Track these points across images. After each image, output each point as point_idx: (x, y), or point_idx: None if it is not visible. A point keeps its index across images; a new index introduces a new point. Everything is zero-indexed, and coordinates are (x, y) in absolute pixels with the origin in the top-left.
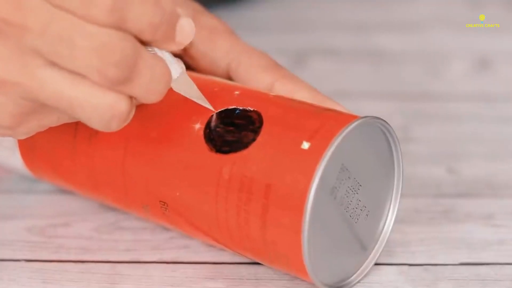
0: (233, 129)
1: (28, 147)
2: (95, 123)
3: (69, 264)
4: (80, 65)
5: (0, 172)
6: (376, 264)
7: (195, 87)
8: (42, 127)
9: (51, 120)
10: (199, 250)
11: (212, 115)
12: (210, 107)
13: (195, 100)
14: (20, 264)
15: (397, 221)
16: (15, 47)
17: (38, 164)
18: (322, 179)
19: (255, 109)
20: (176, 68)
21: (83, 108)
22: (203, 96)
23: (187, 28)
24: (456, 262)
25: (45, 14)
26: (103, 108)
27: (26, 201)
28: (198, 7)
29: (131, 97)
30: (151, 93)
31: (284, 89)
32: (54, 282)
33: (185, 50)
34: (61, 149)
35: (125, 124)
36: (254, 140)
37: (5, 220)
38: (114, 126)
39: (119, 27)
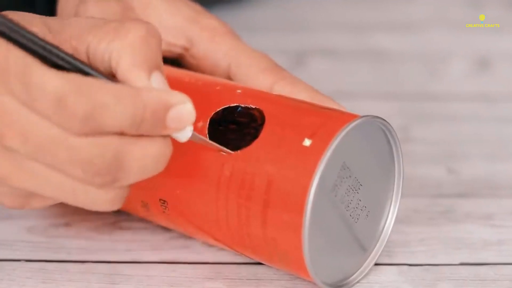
0: (235, 127)
1: None
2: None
3: (69, 264)
4: (67, 173)
5: None
6: (375, 264)
7: (207, 139)
8: (50, 203)
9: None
10: (199, 250)
11: (214, 114)
12: (228, 151)
13: (212, 146)
14: (20, 264)
15: (397, 221)
16: None
17: None
18: (323, 175)
19: (257, 107)
20: (186, 130)
21: (79, 202)
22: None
23: (185, 115)
24: (456, 262)
25: (24, 121)
26: (99, 202)
27: None
28: (199, 8)
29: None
30: (145, 176)
31: (284, 91)
32: (54, 282)
33: (186, 50)
34: None
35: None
36: (256, 137)
37: (5, 220)
38: (113, 208)
39: (97, 133)
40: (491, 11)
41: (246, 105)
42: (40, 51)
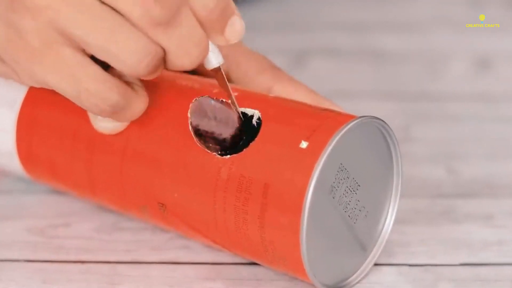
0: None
1: (26, 152)
2: (122, 61)
3: (69, 264)
4: None
5: (0, 173)
6: (376, 264)
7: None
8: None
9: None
10: (199, 250)
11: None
12: (238, 111)
13: (227, 93)
14: (19, 264)
15: (397, 221)
16: None
17: (37, 169)
18: (320, 177)
19: (254, 109)
20: (219, 56)
21: (115, 43)
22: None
23: (238, 27)
24: (456, 263)
25: None
26: (136, 48)
27: (26, 201)
28: None
29: (164, 50)
30: (184, 53)
31: (282, 92)
32: (53, 282)
33: None
34: (60, 153)
35: (153, 76)
36: (252, 140)
37: (5, 220)
38: (142, 69)
39: None
40: (491, 11)
41: (243, 109)
42: None
